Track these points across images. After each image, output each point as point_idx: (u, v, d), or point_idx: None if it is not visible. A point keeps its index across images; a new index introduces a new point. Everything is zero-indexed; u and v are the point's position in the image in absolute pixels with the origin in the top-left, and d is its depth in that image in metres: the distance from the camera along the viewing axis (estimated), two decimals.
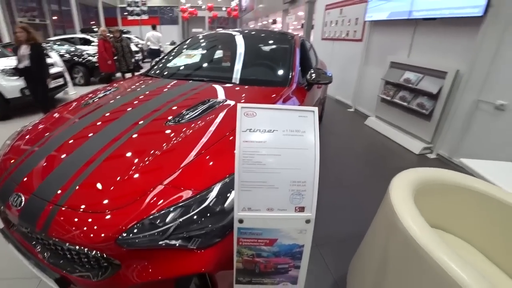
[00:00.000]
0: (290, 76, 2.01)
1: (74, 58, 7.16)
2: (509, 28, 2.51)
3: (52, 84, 5.17)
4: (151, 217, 0.93)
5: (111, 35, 6.26)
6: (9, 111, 4.62)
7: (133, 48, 7.73)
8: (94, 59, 6.95)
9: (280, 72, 2.16)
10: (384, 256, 1.01)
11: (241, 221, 0.86)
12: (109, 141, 1.23)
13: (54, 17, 17.42)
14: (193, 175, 1.05)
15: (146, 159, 1.12)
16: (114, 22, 22.38)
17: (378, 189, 2.58)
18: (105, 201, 0.98)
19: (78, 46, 8.49)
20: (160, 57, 2.69)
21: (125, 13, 18.80)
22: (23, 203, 1.05)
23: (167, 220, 0.93)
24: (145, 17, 18.21)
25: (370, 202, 2.33)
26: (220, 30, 3.17)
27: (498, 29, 2.58)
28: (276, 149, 0.82)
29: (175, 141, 1.21)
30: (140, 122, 1.37)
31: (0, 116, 4.53)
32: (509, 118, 2.54)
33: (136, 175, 1.05)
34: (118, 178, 1.04)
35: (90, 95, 1.89)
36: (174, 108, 1.54)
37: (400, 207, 0.92)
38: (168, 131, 1.29)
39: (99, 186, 1.03)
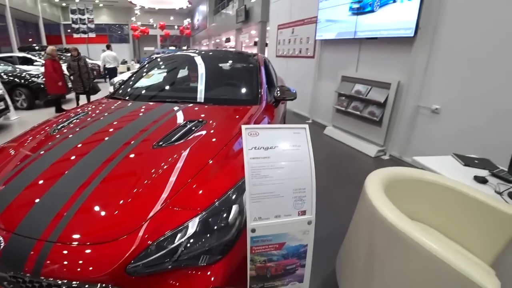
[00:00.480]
0: (259, 95, 2.12)
1: (14, 79, 6.51)
2: (434, 45, 3.02)
3: None
4: (159, 240, 0.93)
5: (69, 54, 5.86)
6: None
7: None
8: (39, 80, 6.41)
9: (250, 90, 2.25)
10: (369, 244, 1.15)
11: (253, 230, 0.94)
12: (99, 166, 1.19)
13: None
14: (194, 194, 1.07)
15: (145, 181, 1.11)
16: (57, 40, 20.81)
17: (345, 190, 2.85)
18: (107, 230, 0.96)
19: (18, 66, 7.74)
20: (126, 79, 2.61)
21: (69, 31, 17.70)
22: (2, 244, 0.94)
23: (175, 242, 0.94)
24: (92, 35, 17.37)
25: (341, 202, 2.55)
26: (186, 50, 3.20)
27: (426, 46, 3.08)
28: (279, 163, 0.95)
29: (166, 165, 1.20)
30: (129, 144, 1.35)
31: None
32: (442, 119, 3.01)
33: (134, 200, 1.04)
34: (117, 204, 1.02)
35: (60, 119, 1.76)
36: (158, 131, 1.51)
37: (377, 201, 1.08)
38: (159, 154, 1.29)
39: (96, 214, 1.00)
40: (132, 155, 1.28)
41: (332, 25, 4.49)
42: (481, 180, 1.47)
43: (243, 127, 0.94)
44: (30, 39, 18.23)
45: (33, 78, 6.56)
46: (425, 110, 3.18)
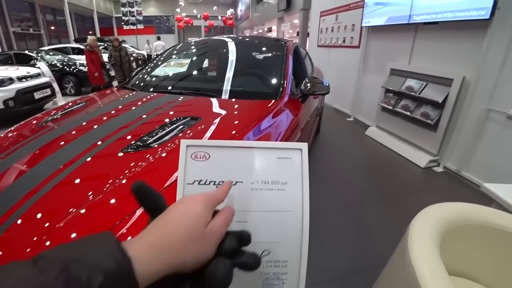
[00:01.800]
0: (281, 87, 1.78)
1: (65, 68, 6.97)
2: None
3: (38, 94, 4.98)
4: None
5: (110, 44, 6.11)
6: None
7: None
8: (85, 69, 6.77)
9: (270, 82, 1.94)
10: None
11: None
12: (52, 172, 1.00)
13: (50, 27, 17.36)
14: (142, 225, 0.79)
15: (85, 204, 0.87)
16: (110, 32, 22.34)
17: (384, 210, 2.37)
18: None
19: (70, 56, 8.33)
20: (140, 68, 2.47)
21: (121, 23, 18.80)
22: None
23: None
24: (140, 26, 18.20)
25: (376, 227, 2.11)
26: (207, 38, 2.97)
27: (506, 32, 2.39)
28: (241, 213, 0.53)
29: (123, 177, 0.95)
30: (96, 146, 1.14)
31: None
32: None
33: (72, 224, 0.81)
34: (51, 229, 0.80)
35: (53, 112, 1.65)
36: (131, 131, 1.28)
37: (426, 275, 0.68)
38: (123, 162, 1.05)
39: (29, 235, 0.79)
40: (92, 161, 1.07)
41: (382, 9, 3.85)
42: None
43: (183, 142, 0.53)
44: (90, 32, 19.82)
45: (80, 67, 6.97)
46: (499, 116, 2.50)
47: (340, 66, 5.45)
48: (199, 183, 0.52)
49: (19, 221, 0.83)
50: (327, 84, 1.93)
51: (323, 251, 1.82)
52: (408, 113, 3.29)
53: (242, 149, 0.55)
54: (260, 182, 0.53)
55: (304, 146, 0.55)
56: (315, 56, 5.37)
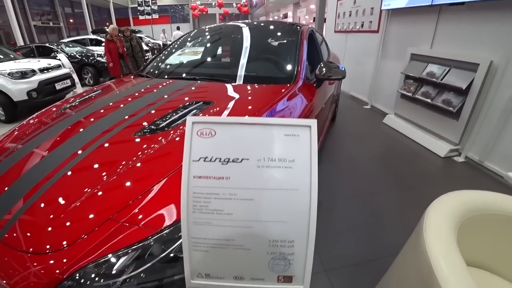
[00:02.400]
0: (295, 72, 1.75)
1: (83, 59, 7.16)
2: None
3: (59, 85, 5.15)
4: (95, 263, 0.72)
5: (121, 35, 5.93)
6: (17, 114, 4.61)
7: (144, 47, 7.62)
8: (103, 59, 6.91)
9: (284, 67, 1.92)
10: None
11: None
12: (61, 162, 1.04)
13: (69, 20, 17.78)
14: (155, 205, 0.83)
15: (99, 185, 0.91)
16: (126, 23, 22.59)
17: (399, 200, 2.31)
18: (47, 239, 0.79)
19: (89, 47, 8.53)
20: (154, 56, 2.51)
21: (137, 13, 18.95)
22: None
23: (116, 267, 0.72)
24: (155, 16, 18.28)
25: (391, 217, 2.06)
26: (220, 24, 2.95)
27: None
28: (246, 190, 0.53)
29: (136, 160, 0.99)
30: (101, 138, 1.16)
31: (8, 119, 4.53)
32: None
33: (83, 206, 0.86)
34: (65, 208, 0.85)
35: (71, 99, 1.72)
36: (143, 116, 1.31)
37: (441, 265, 0.65)
38: (136, 145, 1.09)
39: (42, 218, 0.85)
40: (105, 145, 1.11)
41: None
42: None
43: (189, 119, 0.54)
44: (108, 23, 20.12)
45: (98, 58, 7.13)
46: None
47: (358, 52, 5.26)
48: (204, 160, 0.53)
49: (39, 200, 0.89)
50: (343, 69, 1.88)
51: (336, 239, 1.81)
52: (429, 100, 3.15)
53: (248, 126, 0.54)
54: (266, 159, 0.52)
55: (313, 122, 0.53)
56: (332, 42, 5.21)
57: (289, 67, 1.85)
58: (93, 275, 0.71)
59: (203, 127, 0.54)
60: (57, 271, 0.72)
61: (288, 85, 1.63)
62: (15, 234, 0.82)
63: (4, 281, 0.74)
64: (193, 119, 0.54)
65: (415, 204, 2.15)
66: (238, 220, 0.53)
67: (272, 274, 0.55)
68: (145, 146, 1.06)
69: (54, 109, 1.59)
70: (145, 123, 1.22)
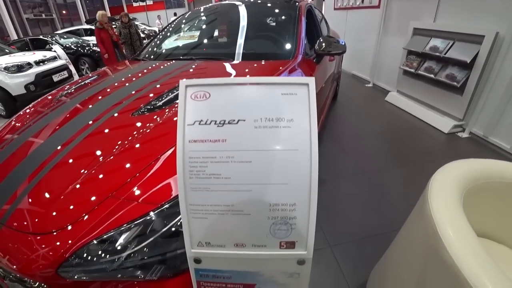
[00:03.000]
0: (294, 47, 1.72)
1: (79, 49, 7.05)
2: None
3: (56, 77, 5.10)
4: (99, 239, 0.73)
5: (119, 20, 5.51)
6: (17, 108, 4.61)
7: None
8: (99, 49, 6.79)
9: (282, 43, 1.88)
10: (421, 283, 0.76)
11: (197, 260, 0.60)
12: (59, 146, 1.05)
13: (62, 11, 17.42)
14: (155, 180, 0.84)
15: (96, 165, 0.92)
16: (119, 10, 22.06)
17: (403, 176, 2.30)
18: (49, 219, 0.81)
19: (84, 38, 8.39)
20: (150, 40, 2.46)
21: (131, 0, 18.47)
22: None
23: (119, 243, 0.73)
24: (150, 2, 17.84)
25: (395, 192, 2.07)
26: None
27: None
28: (243, 152, 0.51)
29: (133, 139, 1.01)
30: (98, 120, 1.17)
31: (9, 114, 4.53)
32: None
33: (83, 186, 0.87)
34: (65, 190, 0.86)
35: (67, 86, 1.72)
36: (140, 96, 1.32)
37: (447, 229, 0.65)
38: (133, 124, 1.10)
39: (43, 200, 0.86)
40: (103, 127, 1.13)
41: None
42: None
43: (182, 82, 0.52)
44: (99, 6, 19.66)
45: (93, 48, 7.02)
46: None
47: (359, 29, 5.12)
48: (199, 123, 0.51)
49: (40, 184, 0.92)
50: (343, 43, 1.83)
51: (339, 216, 1.82)
52: (432, 76, 3.08)
53: (243, 86, 0.52)
54: (264, 119, 0.50)
55: (311, 80, 0.51)
56: (332, 20, 5.06)
57: (287, 42, 1.82)
58: (97, 251, 0.72)
59: (197, 90, 0.52)
60: (62, 250, 0.73)
61: (287, 60, 1.61)
62: (17, 218, 0.84)
63: (14, 266, 0.75)
64: (186, 82, 0.52)
65: (419, 180, 2.14)
66: (236, 184, 0.51)
67: (274, 240, 0.54)
68: (142, 125, 1.07)
69: (50, 97, 1.59)
70: (142, 103, 1.23)
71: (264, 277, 0.59)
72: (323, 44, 1.78)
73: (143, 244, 0.72)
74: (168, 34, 2.36)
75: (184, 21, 2.51)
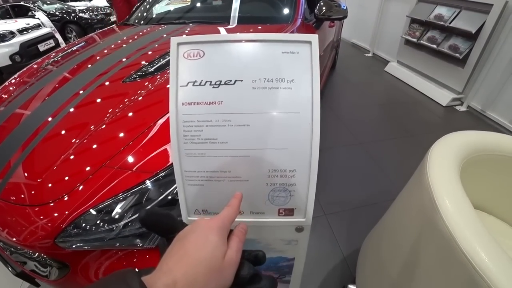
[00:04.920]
0: (293, 11, 1.65)
1: (65, 16, 6.63)
2: None
3: (42, 46, 4.85)
4: (95, 209, 0.74)
5: None
6: (4, 80, 4.43)
7: None
8: (86, 15, 6.42)
9: (281, 6, 1.82)
10: (415, 254, 0.78)
11: None
12: (49, 117, 1.02)
13: None
14: (151, 147, 0.83)
15: (88, 134, 0.91)
16: None
17: (399, 147, 2.32)
18: (45, 190, 0.80)
19: (69, 3, 7.86)
20: (139, 3, 2.31)
21: None
22: None
23: (116, 212, 0.73)
24: None
25: (391, 163, 2.09)
26: None
27: None
28: (241, 115, 0.47)
29: (124, 107, 0.98)
30: (87, 88, 1.14)
31: None
32: None
33: (76, 156, 0.86)
34: (57, 160, 0.86)
35: (53, 54, 1.67)
36: (131, 63, 1.28)
37: (444, 199, 0.65)
38: (118, 94, 1.07)
39: (37, 170, 0.86)
40: (93, 95, 1.10)
41: None
42: None
43: (174, 40, 0.47)
44: None
45: (80, 14, 6.61)
46: None
47: None
48: (193, 84, 0.47)
49: (31, 155, 0.91)
50: (344, 7, 1.75)
51: (335, 186, 1.86)
52: (434, 46, 2.99)
53: (241, 43, 0.47)
54: (262, 80, 0.46)
55: (314, 38, 0.47)
56: None
57: (286, 6, 1.75)
58: (95, 221, 0.73)
59: (190, 48, 0.47)
60: (59, 220, 0.74)
61: (286, 24, 1.57)
62: (12, 190, 0.84)
63: (13, 238, 0.75)
64: (177, 40, 0.47)
65: (415, 151, 2.17)
66: (233, 149, 0.48)
67: (273, 207, 0.52)
68: (133, 92, 1.05)
69: (35, 66, 1.53)
70: (133, 70, 1.20)
71: (261, 244, 0.58)
72: (324, 8, 1.70)
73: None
74: None
75: None
